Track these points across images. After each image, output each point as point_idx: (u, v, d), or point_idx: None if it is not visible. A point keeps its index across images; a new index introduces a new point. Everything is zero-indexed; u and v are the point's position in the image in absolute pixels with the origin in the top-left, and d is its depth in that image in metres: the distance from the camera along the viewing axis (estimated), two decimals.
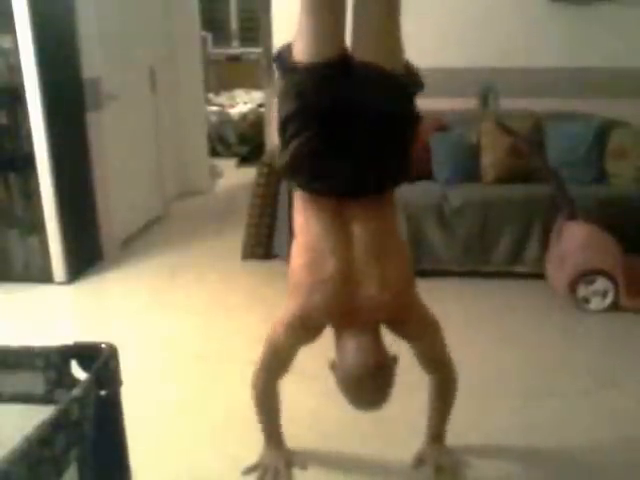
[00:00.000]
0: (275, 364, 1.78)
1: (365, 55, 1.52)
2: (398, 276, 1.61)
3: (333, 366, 1.63)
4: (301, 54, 1.53)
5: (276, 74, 1.61)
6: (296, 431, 2.05)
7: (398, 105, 1.55)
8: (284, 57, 1.58)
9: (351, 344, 1.58)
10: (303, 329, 1.65)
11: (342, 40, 1.55)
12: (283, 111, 1.57)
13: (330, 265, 1.55)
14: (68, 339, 1.09)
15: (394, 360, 1.62)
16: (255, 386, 1.83)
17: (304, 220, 1.65)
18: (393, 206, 1.71)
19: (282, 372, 1.80)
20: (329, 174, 1.56)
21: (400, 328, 1.67)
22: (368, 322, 1.61)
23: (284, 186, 3.55)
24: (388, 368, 1.60)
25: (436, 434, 1.93)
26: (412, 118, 1.60)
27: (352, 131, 1.52)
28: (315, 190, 1.61)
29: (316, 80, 1.51)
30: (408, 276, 1.67)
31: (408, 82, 1.58)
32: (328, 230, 1.59)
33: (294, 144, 1.55)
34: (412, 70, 1.61)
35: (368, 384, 1.57)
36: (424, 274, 3.40)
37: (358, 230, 1.59)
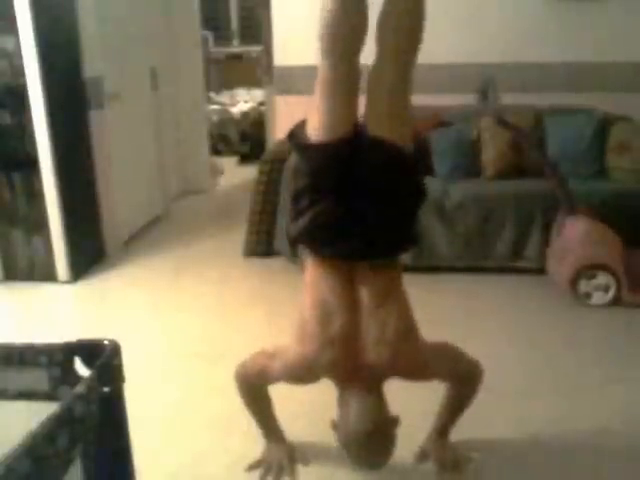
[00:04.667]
0: (261, 385, 1.84)
1: (377, 130, 1.58)
2: (400, 338, 1.62)
3: (335, 426, 1.67)
4: (315, 131, 1.60)
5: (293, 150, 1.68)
6: (298, 426, 2.07)
7: (407, 183, 1.64)
8: (298, 135, 1.66)
9: (353, 406, 1.61)
10: (300, 378, 1.70)
11: (355, 119, 1.62)
12: (296, 184, 1.66)
13: (337, 325, 1.60)
14: (72, 337, 1.10)
15: (395, 421, 1.65)
16: (240, 392, 1.86)
17: (313, 279, 1.70)
18: (400, 268, 1.75)
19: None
20: (340, 241, 1.63)
21: (409, 378, 1.71)
22: (371, 380, 1.65)
23: (285, 184, 3.56)
24: (389, 429, 1.64)
25: (443, 429, 1.94)
26: (419, 193, 1.69)
27: (363, 204, 1.60)
28: (327, 255, 1.67)
29: (328, 159, 1.60)
30: (410, 335, 1.68)
31: (417, 159, 1.67)
32: (336, 291, 1.64)
33: (308, 215, 1.62)
34: (420, 141, 1.71)
35: (369, 445, 1.61)
36: (425, 270, 3.42)
37: (364, 292, 1.64)
